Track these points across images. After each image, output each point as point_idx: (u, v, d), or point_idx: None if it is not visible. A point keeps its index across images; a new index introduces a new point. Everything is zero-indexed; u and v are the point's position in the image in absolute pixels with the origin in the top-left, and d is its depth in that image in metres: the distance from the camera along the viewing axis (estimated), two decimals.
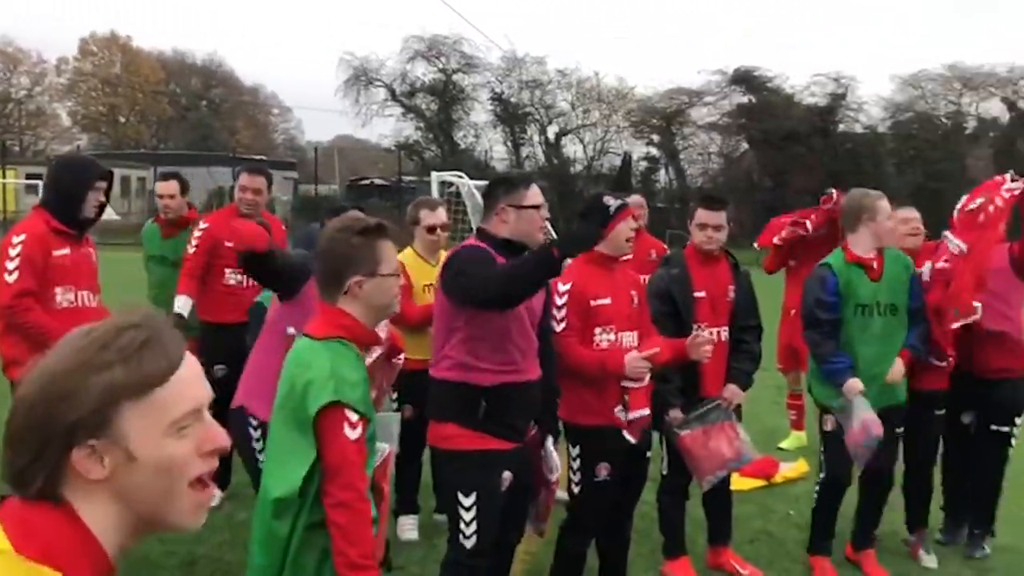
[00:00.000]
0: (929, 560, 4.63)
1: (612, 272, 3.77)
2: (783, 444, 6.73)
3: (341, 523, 2.23)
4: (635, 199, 5.97)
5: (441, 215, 4.73)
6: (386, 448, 2.47)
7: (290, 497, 2.25)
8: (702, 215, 4.25)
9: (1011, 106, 35.84)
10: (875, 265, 4.20)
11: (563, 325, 3.64)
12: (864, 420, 3.99)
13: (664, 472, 4.37)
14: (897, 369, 4.16)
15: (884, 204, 4.25)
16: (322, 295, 2.41)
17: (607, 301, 3.68)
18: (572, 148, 39.29)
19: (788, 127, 34.86)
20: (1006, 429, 4.58)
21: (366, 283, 2.38)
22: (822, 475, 4.39)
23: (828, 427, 4.28)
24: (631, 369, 3.56)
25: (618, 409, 3.66)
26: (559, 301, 3.65)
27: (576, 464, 3.75)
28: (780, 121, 35.20)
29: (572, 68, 38.59)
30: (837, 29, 73.57)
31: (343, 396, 2.25)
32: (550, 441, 3.54)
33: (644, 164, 38.80)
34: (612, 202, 3.72)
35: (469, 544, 3.16)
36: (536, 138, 39.13)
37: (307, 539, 2.28)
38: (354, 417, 2.25)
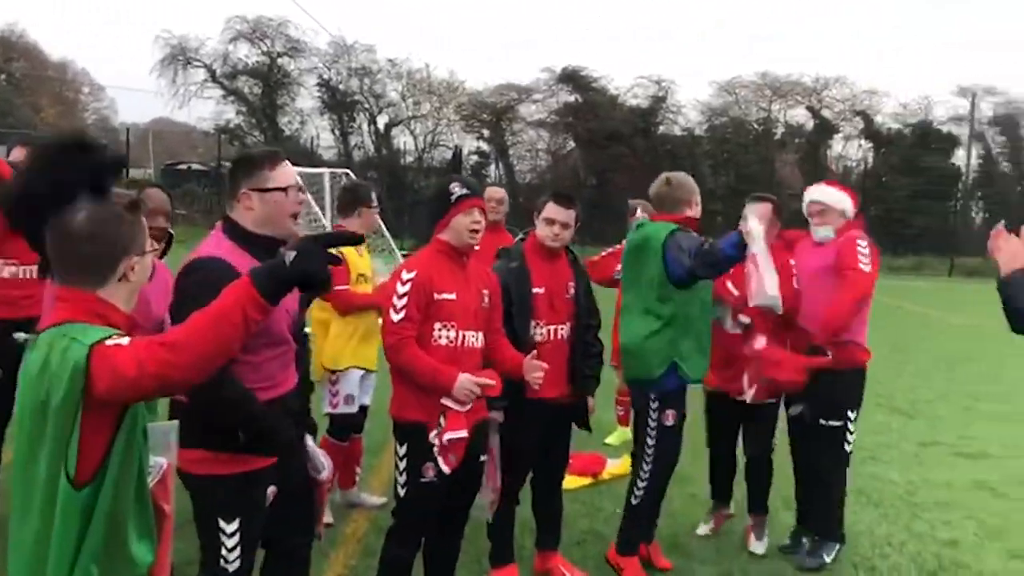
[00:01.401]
0: (757, 546, 4.70)
1: (463, 267, 3.55)
2: (609, 440, 6.74)
3: None
4: (494, 191, 5.80)
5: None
6: (163, 462, 2.11)
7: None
8: (552, 210, 4.08)
9: (815, 114, 38.34)
10: None
11: (401, 315, 3.39)
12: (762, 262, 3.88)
13: None
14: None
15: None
16: (81, 283, 1.99)
17: (452, 296, 3.45)
18: (402, 139, 38.87)
19: (612, 127, 35.86)
20: (836, 424, 4.51)
21: (137, 264, 2.05)
22: (648, 470, 4.25)
23: (668, 422, 4.19)
24: (459, 391, 3.35)
25: (432, 434, 3.41)
26: (401, 289, 3.40)
27: (403, 464, 3.49)
28: (604, 121, 36.14)
29: (403, 58, 38.21)
30: (659, 32, 76.50)
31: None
32: (310, 440, 3.23)
33: (474, 158, 38.88)
34: (457, 190, 3.50)
35: (232, 568, 2.80)
36: (365, 127, 38.43)
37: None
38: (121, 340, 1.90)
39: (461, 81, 38.54)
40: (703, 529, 4.99)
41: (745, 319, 4.46)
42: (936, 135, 37.13)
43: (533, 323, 4.04)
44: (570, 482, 5.21)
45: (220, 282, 2.12)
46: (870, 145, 38.45)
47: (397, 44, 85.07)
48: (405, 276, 3.42)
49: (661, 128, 37.87)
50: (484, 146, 39.16)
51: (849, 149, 39.40)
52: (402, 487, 3.50)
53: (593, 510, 5.28)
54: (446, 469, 3.42)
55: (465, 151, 37.96)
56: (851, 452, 4.63)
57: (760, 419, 4.69)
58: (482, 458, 3.68)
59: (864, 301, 4.45)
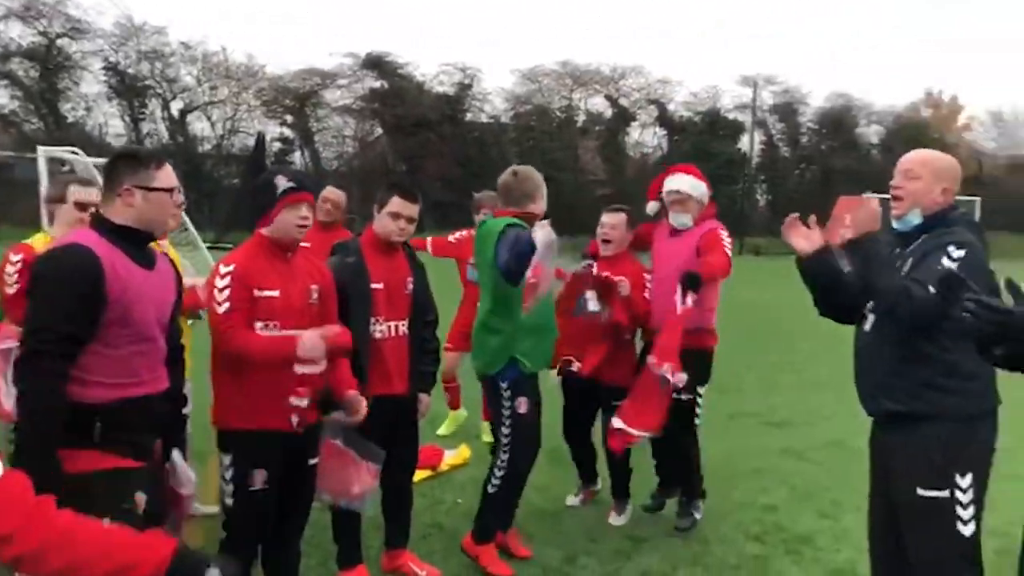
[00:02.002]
0: (616, 519, 5.03)
1: (287, 262, 3.39)
2: (441, 430, 6.72)
3: None
4: (332, 193, 5.59)
5: (94, 194, 4.02)
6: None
7: None
8: (399, 204, 3.97)
9: (613, 102, 39.90)
10: None
11: (226, 307, 3.24)
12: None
13: None
14: None
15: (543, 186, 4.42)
16: None
17: (275, 293, 3.30)
18: (199, 126, 37.25)
19: (419, 113, 35.85)
20: (688, 397, 4.80)
21: None
22: (505, 459, 4.28)
23: (521, 410, 4.23)
24: (306, 349, 3.20)
25: (293, 399, 3.31)
26: (220, 283, 3.25)
27: (229, 473, 3.35)
28: (411, 107, 36.05)
29: (197, 41, 36.44)
30: (463, 20, 76.95)
31: None
32: (177, 454, 3.12)
33: (278, 145, 37.72)
34: (283, 183, 3.35)
35: None
36: (159, 114, 36.51)
37: None
38: None
39: (261, 65, 37.37)
40: (572, 500, 5.32)
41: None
42: (724, 122, 39.63)
43: (372, 319, 3.96)
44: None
45: (79, 269, 2.34)
46: (664, 132, 40.52)
47: (191, 26, 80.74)
48: (223, 270, 3.28)
49: (468, 115, 38.23)
50: (288, 132, 38.10)
51: (646, 136, 41.44)
52: (229, 497, 3.37)
53: (435, 503, 5.26)
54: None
55: (268, 138, 36.73)
56: (699, 423, 5.01)
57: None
58: (311, 461, 3.57)
59: (715, 280, 4.73)
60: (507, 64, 75.83)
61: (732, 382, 9.13)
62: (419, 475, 5.52)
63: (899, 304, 2.93)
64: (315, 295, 3.45)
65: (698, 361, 4.82)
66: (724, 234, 4.78)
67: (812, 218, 3.24)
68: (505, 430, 4.28)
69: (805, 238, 3.19)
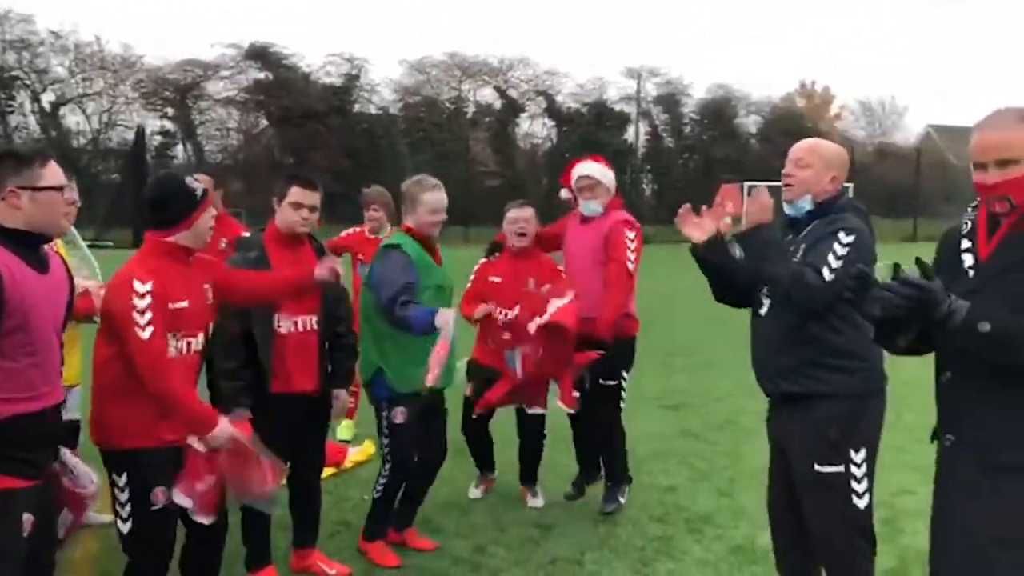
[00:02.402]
0: (535, 501, 5.14)
1: (188, 266, 3.25)
2: (340, 435, 6.45)
3: None
4: (201, 176, 5.41)
5: None
6: None
7: None
8: (299, 194, 3.90)
9: (502, 94, 40.03)
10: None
11: (150, 332, 3.01)
12: (445, 340, 3.90)
13: None
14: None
15: (432, 196, 4.26)
16: None
17: (184, 304, 3.14)
18: (73, 119, 35.51)
19: (306, 105, 35.15)
20: (613, 383, 4.96)
21: None
22: (387, 467, 4.34)
23: (398, 420, 4.24)
24: (214, 440, 3.13)
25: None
26: (140, 304, 3.01)
27: (124, 495, 3.14)
28: (298, 99, 35.32)
29: (68, 30, 34.77)
30: (350, 8, 75.77)
31: None
32: (68, 453, 3.00)
33: (159, 139, 36.36)
34: (198, 187, 3.24)
35: None
36: (28, 106, 34.63)
37: None
38: None
39: (139, 56, 35.87)
40: (474, 493, 5.35)
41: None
42: (610, 113, 40.23)
43: (276, 316, 3.89)
44: None
45: None
46: (553, 123, 40.87)
47: (61, 15, 76.90)
48: (140, 288, 3.02)
49: (356, 106, 37.70)
50: (169, 125, 36.78)
51: (535, 127, 41.67)
52: (126, 520, 3.16)
53: (341, 500, 5.21)
54: (205, 521, 3.21)
55: (148, 131, 35.35)
56: (624, 407, 5.13)
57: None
58: None
59: (631, 290, 4.94)
60: (395, 55, 75.00)
61: None
62: (324, 473, 5.47)
63: (794, 289, 3.07)
64: (210, 294, 3.34)
65: (624, 348, 4.98)
66: (630, 234, 4.86)
67: (704, 208, 3.36)
68: (383, 440, 4.34)
69: (698, 227, 3.32)
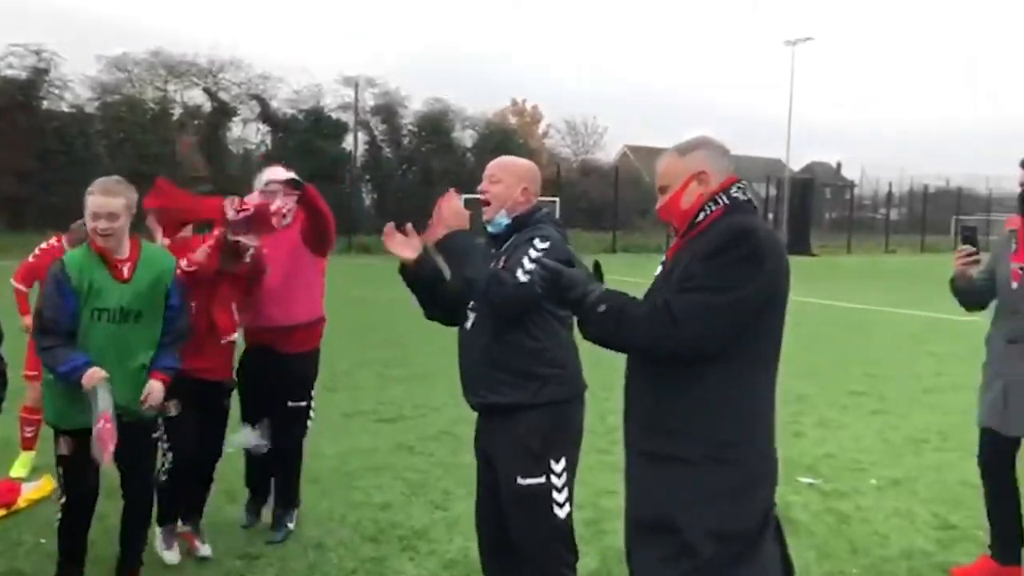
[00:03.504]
0: (204, 550, 4.52)
1: None
2: (14, 472, 5.70)
3: None
4: None
5: None
6: None
7: None
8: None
9: (212, 96, 38.18)
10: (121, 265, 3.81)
11: None
12: (104, 412, 3.60)
13: None
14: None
15: (90, 200, 3.75)
16: None
17: None
18: None
19: None
20: (303, 404, 4.78)
21: None
22: (63, 500, 3.94)
23: (63, 451, 3.86)
24: None
25: None
26: None
27: None
28: None
29: None
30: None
31: None
32: None
33: None
34: None
35: None
36: None
37: None
38: None
39: None
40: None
41: None
42: (327, 121, 39.62)
43: None
44: None
45: None
46: (268, 129, 39.60)
47: None
48: None
49: (45, 103, 34.29)
50: None
51: (248, 132, 40.13)
52: None
53: (13, 545, 4.58)
54: None
55: None
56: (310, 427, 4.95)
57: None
58: None
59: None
60: (91, 50, 69.14)
61: (345, 380, 9.14)
62: None
63: (490, 290, 3.11)
64: None
65: (315, 360, 4.86)
66: None
67: (409, 226, 3.38)
68: (59, 470, 3.99)
69: (406, 246, 3.34)
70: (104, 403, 3.59)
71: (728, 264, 2.43)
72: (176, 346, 3.99)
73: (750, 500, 2.53)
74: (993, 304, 4.45)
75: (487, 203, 3.36)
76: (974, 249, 4.29)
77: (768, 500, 2.59)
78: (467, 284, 3.20)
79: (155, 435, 4.11)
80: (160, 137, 34.59)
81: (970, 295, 4.47)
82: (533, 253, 3.14)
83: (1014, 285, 4.23)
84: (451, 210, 3.22)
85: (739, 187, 2.62)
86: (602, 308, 2.50)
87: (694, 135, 2.73)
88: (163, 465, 4.34)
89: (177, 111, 38.03)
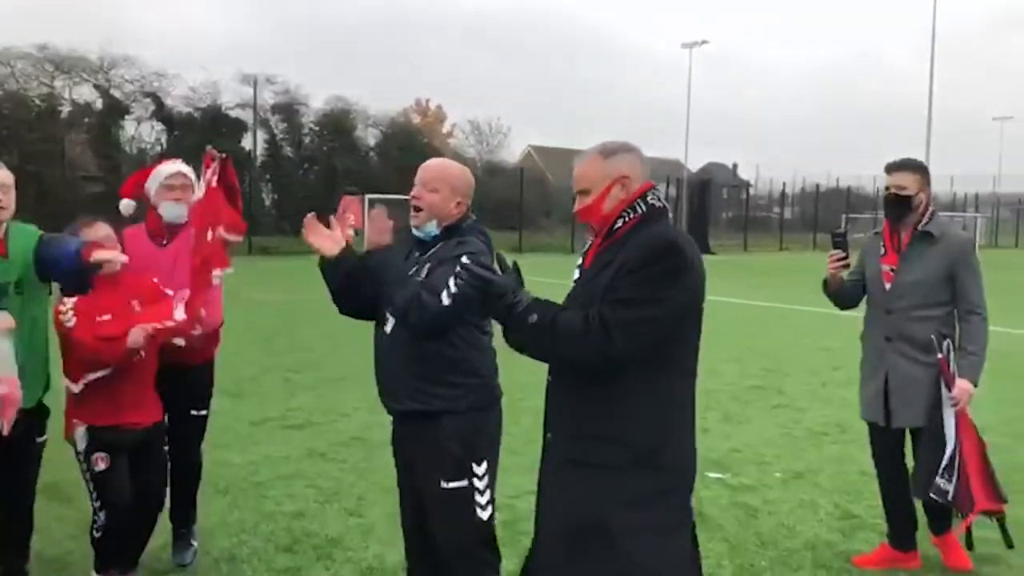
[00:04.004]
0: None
1: None
2: None
3: None
4: None
5: None
6: None
7: None
8: None
9: (104, 93, 36.81)
10: None
11: None
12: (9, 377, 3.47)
13: None
14: None
15: None
16: None
17: None
18: None
19: None
20: (204, 412, 4.59)
21: None
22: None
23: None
24: None
25: None
26: None
27: None
28: None
29: None
30: None
31: None
32: None
33: None
34: None
35: None
36: None
37: None
38: None
39: None
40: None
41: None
42: (225, 120, 38.69)
43: None
44: None
45: None
46: (163, 127, 38.41)
47: None
48: None
49: None
50: None
51: (143, 131, 38.85)
52: None
53: None
54: None
55: None
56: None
57: None
58: None
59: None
60: None
61: (251, 387, 8.93)
62: None
63: (410, 313, 3.07)
64: None
65: (213, 369, 4.66)
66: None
67: (332, 218, 3.29)
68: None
69: (328, 239, 3.23)
70: (6, 364, 3.44)
71: (655, 277, 2.48)
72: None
73: (678, 498, 2.63)
74: (865, 301, 4.69)
75: (418, 208, 3.28)
76: (844, 254, 4.60)
77: (689, 497, 2.69)
78: (387, 303, 3.17)
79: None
80: (47, 135, 33.14)
81: (842, 297, 4.78)
82: (461, 272, 3.07)
83: (887, 286, 4.46)
84: (376, 227, 3.19)
85: (654, 193, 2.67)
86: (533, 319, 2.51)
87: (605, 138, 2.74)
88: (95, 522, 4.02)
89: (66, 109, 36.53)
